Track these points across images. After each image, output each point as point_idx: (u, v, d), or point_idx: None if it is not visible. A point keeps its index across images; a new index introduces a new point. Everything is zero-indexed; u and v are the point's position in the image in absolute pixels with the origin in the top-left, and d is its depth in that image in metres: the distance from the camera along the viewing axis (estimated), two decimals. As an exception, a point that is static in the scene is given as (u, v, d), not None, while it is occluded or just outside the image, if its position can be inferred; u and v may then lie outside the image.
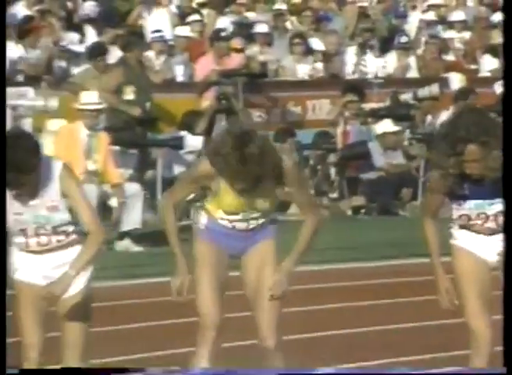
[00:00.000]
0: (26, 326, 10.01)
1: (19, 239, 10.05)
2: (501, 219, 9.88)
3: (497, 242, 9.81)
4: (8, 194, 10.20)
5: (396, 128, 26.64)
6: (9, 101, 22.51)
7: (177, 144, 24.23)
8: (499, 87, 28.65)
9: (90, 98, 22.01)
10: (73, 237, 10.07)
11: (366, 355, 13.93)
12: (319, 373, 8.77)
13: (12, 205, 10.19)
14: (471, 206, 9.56)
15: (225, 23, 29.21)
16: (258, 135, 9.75)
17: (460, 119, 9.46)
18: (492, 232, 9.61)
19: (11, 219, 10.30)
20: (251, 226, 10.00)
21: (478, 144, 9.14)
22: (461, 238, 9.68)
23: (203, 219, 9.91)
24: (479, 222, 9.64)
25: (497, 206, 9.69)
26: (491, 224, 9.64)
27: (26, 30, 26.35)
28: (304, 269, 13.30)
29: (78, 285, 10.00)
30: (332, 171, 26.35)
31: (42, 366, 10.37)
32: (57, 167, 9.92)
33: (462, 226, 9.66)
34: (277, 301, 10.44)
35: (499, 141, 9.54)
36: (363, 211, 26.05)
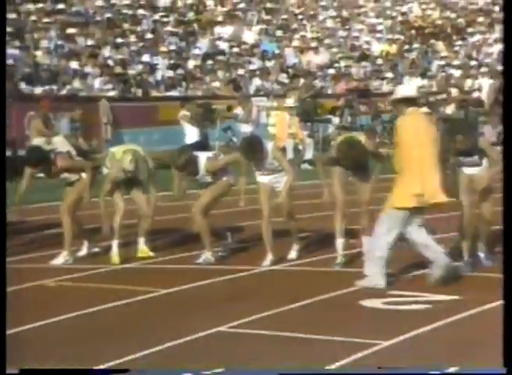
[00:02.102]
0: (263, 201, 9.47)
1: (260, 172, 9.58)
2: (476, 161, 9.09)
3: (474, 169, 9.07)
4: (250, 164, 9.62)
5: (427, 110, 26.36)
6: (256, 103, 22.79)
7: (328, 120, 23.81)
8: (475, 95, 28.22)
9: (289, 102, 22.33)
10: (279, 170, 9.40)
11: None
12: (322, 373, 5.62)
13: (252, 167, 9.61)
14: (459, 159, 8.83)
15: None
16: (359, 142, 9.26)
17: (453, 124, 9.23)
18: (471, 165, 8.94)
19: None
20: None
21: (460, 133, 8.76)
22: (457, 166, 8.97)
23: None
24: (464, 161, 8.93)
25: (472, 159, 8.89)
26: (471, 162, 8.91)
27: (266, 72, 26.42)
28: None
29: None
30: None
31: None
32: (270, 145, 9.64)
33: (456, 161, 8.92)
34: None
35: (469, 132, 8.96)
36: None
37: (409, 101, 8.55)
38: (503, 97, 6.02)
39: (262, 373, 5.73)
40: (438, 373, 5.50)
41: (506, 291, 5.43)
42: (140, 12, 27.65)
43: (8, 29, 23.36)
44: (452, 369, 5.31)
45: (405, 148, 8.33)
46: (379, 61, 30.01)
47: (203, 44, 27.47)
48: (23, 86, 21.92)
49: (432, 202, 8.35)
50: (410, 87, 8.64)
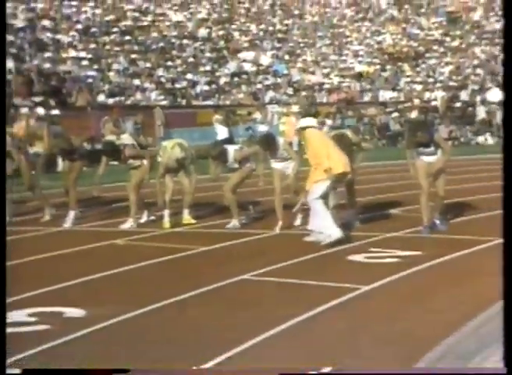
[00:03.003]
0: (276, 181, 9.42)
1: (274, 160, 9.45)
2: (432, 151, 8.82)
3: (431, 157, 8.86)
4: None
5: (397, 115, 26.17)
6: (270, 109, 22.58)
7: (324, 122, 21.92)
8: (432, 103, 27.89)
9: (295, 108, 22.00)
10: (288, 158, 9.33)
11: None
12: (318, 373, 4.29)
13: (268, 156, 9.43)
14: (420, 150, 8.75)
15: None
16: (347, 137, 9.33)
17: (415, 124, 9.11)
18: (429, 154, 8.84)
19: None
20: None
21: (421, 131, 8.71)
22: (418, 155, 8.86)
23: None
24: (423, 152, 8.82)
25: (429, 150, 8.83)
26: (428, 152, 8.82)
27: (277, 86, 25.89)
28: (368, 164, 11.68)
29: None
30: (376, 132, 25.86)
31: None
32: (281, 140, 9.58)
33: (417, 152, 8.83)
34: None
35: (427, 131, 8.92)
36: (386, 144, 25.42)
37: (309, 127, 8.61)
38: (503, 97, 5.56)
39: (263, 373, 4.37)
40: (438, 372, 4.40)
41: (506, 291, 4.35)
42: (185, 41, 27.55)
43: (89, 55, 23.45)
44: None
45: (314, 144, 8.39)
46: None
47: (231, 66, 27.39)
48: (99, 98, 21.92)
49: (338, 172, 8.31)
50: (310, 119, 8.87)
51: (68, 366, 4.45)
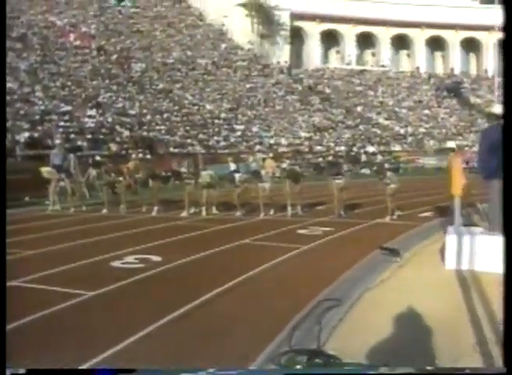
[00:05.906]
0: (260, 193, 9.03)
1: (259, 182, 8.88)
2: (340, 177, 8.28)
3: (339, 180, 8.13)
4: None
5: (322, 159, 24.91)
6: (258, 156, 21.29)
7: (284, 162, 20.08)
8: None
9: (271, 155, 20.81)
10: (267, 181, 9.05)
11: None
12: (327, 373, 1.44)
13: (257, 180, 8.67)
14: (334, 176, 8.35)
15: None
16: (296, 170, 9.07)
17: (331, 163, 7.76)
18: (338, 179, 8.29)
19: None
20: None
21: (334, 167, 8.20)
22: (333, 179, 8.47)
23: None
24: (335, 177, 8.30)
25: (338, 177, 8.21)
26: (338, 178, 8.29)
27: (262, 144, 25.47)
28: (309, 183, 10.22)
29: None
30: (312, 167, 25.09)
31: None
32: (263, 172, 9.10)
33: (332, 178, 8.45)
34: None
35: (334, 167, 8.28)
36: (317, 173, 21.91)
37: (451, 150, 7.44)
38: (503, 98, 2.75)
39: (268, 373, 2.14)
40: (438, 372, 1.88)
41: (506, 292, 2.32)
42: (215, 121, 27.42)
43: (165, 128, 23.68)
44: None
45: (452, 170, 6.82)
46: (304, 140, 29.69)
47: (237, 133, 27.36)
48: (170, 149, 21.93)
49: (457, 194, 6.69)
50: (451, 142, 7.22)
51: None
